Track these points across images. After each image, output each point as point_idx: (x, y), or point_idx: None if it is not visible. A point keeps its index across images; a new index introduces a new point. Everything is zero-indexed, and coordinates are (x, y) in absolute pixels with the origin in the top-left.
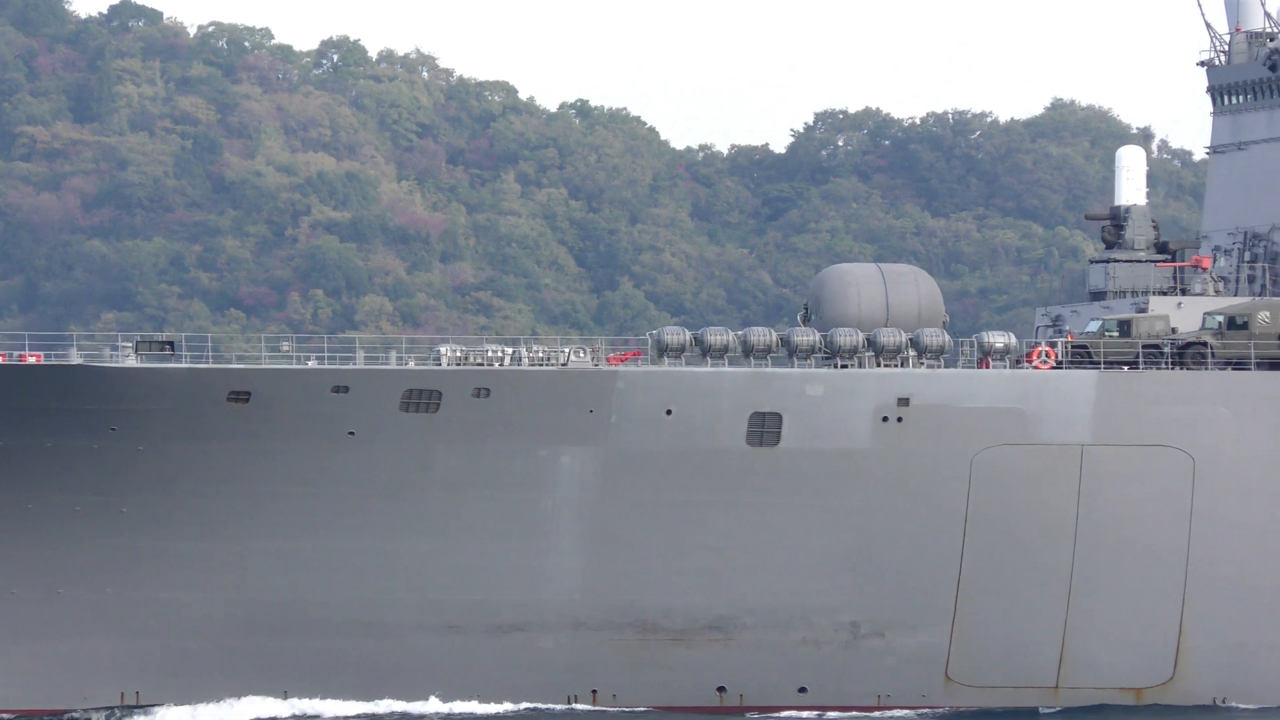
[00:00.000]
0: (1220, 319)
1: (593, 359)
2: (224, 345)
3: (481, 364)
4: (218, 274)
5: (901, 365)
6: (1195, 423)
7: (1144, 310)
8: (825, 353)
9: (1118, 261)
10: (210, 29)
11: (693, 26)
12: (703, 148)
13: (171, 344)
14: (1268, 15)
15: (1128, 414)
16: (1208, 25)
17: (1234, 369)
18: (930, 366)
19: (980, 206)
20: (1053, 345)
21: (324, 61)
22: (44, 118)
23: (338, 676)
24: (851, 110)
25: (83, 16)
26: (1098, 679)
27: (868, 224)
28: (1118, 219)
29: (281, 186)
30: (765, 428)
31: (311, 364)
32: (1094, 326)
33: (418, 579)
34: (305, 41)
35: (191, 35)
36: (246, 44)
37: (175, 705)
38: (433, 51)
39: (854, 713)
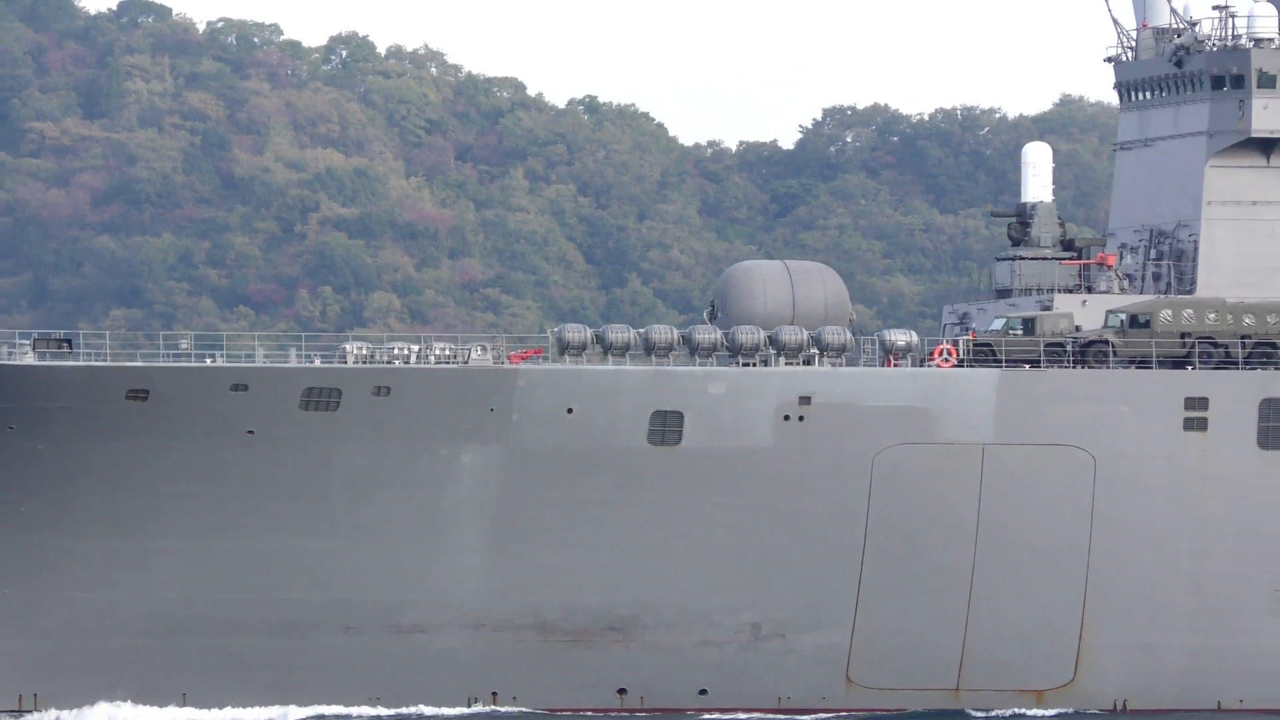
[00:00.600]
0: (1123, 317)
1: (494, 357)
2: (233, 343)
3: (390, 362)
4: (226, 271)
5: (805, 363)
6: (1097, 421)
7: (1049, 308)
8: (728, 351)
9: (1023, 259)
10: (219, 25)
11: (701, 23)
12: (711, 144)
13: (69, 341)
14: (1174, 11)
15: (1029, 413)
16: (1115, 21)
17: (1137, 367)
18: (833, 364)
19: (989, 203)
20: (954, 344)
21: (333, 58)
22: (53, 114)
23: (239, 678)
24: (860, 106)
25: (92, 13)
26: (998, 680)
27: (876, 220)
28: (1024, 216)
29: (290, 183)
30: (667, 426)
31: (209, 362)
32: (998, 325)
33: (318, 579)
34: (314, 37)
35: (200, 31)
36: (255, 40)
37: (72, 709)
38: (441, 47)
39: (755, 714)
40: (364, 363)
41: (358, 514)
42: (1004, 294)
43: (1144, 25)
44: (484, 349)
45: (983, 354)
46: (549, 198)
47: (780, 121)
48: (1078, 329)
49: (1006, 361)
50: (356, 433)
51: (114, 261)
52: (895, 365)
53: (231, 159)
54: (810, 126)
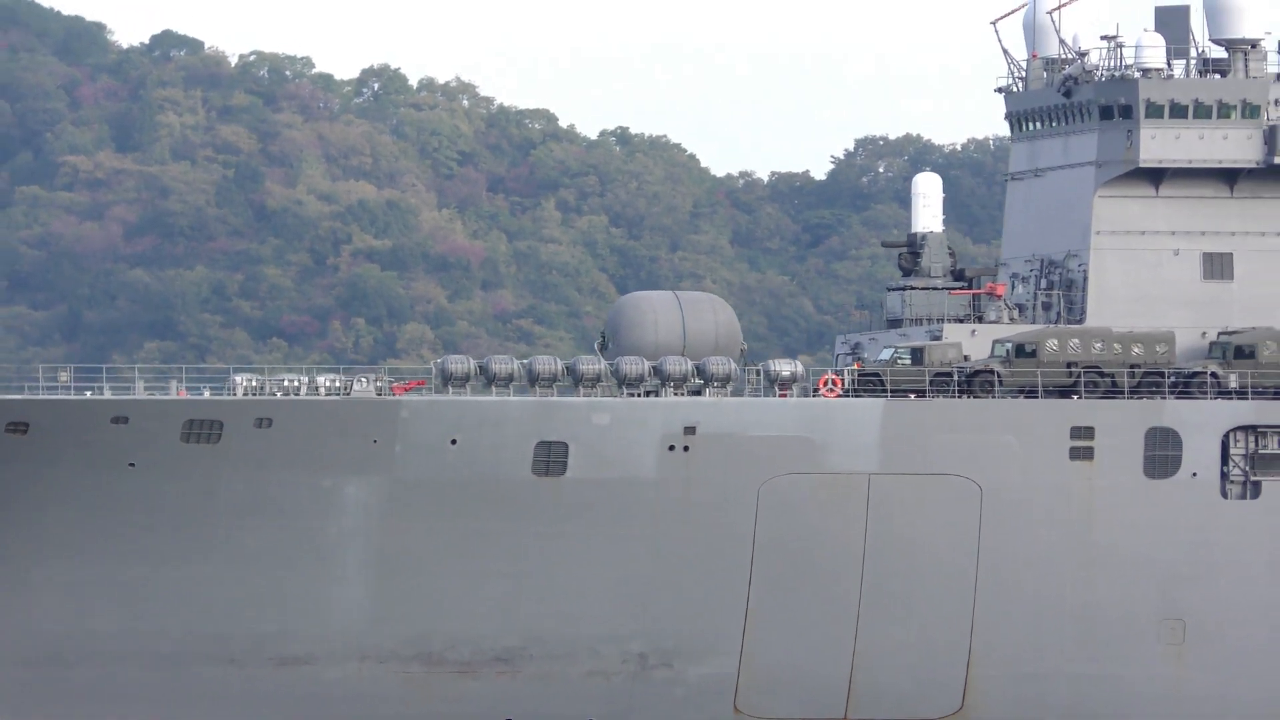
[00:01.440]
0: (1009, 347)
1: (377, 388)
2: (269, 373)
3: (277, 394)
4: (259, 303)
5: (691, 394)
6: (982, 451)
7: (938, 338)
8: (613, 381)
9: (914, 289)
10: (251, 58)
11: (732, 54)
12: (743, 174)
13: None
14: (1063, 42)
15: (914, 442)
16: (1005, 52)
17: (1025, 397)
18: (718, 394)
19: None
20: (840, 374)
21: (365, 90)
22: (86, 147)
23: (120, 710)
24: (892, 137)
25: (124, 46)
26: (887, 709)
27: None
28: (914, 246)
29: (323, 215)
30: (551, 457)
31: (90, 395)
32: (887, 354)
33: (201, 610)
34: (346, 70)
35: (233, 64)
36: (288, 73)
37: None
38: (473, 80)
39: None
40: (253, 395)
41: (241, 545)
42: (895, 324)
43: (1034, 55)
44: (367, 380)
45: (871, 384)
46: (581, 229)
47: (812, 152)
48: (966, 359)
49: (893, 391)
50: (239, 465)
51: (147, 294)
52: (783, 395)
53: (264, 191)
54: (842, 157)
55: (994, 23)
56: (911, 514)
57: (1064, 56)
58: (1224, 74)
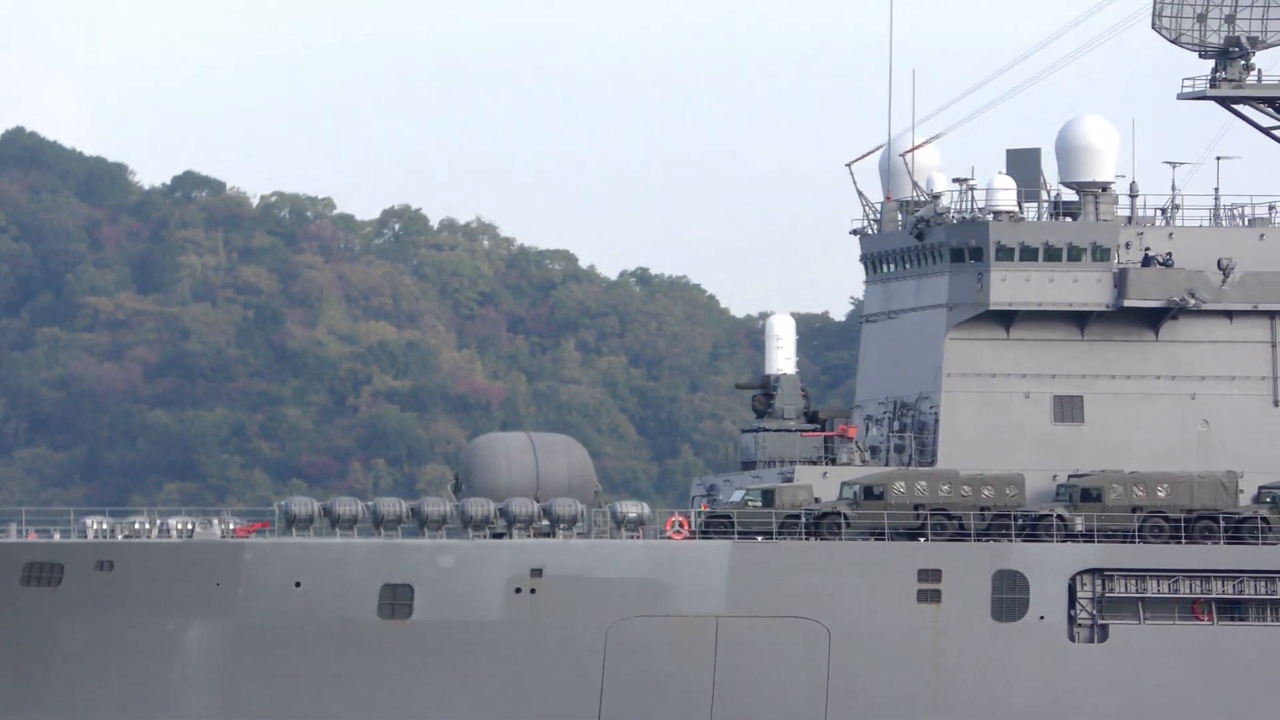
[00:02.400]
0: (856, 489)
1: (220, 531)
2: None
3: (130, 536)
4: (279, 443)
5: (539, 535)
6: (830, 593)
7: (790, 480)
8: (459, 523)
9: (767, 431)
10: (273, 199)
11: (751, 196)
12: (762, 315)
13: None
14: (915, 184)
15: (762, 585)
16: (860, 194)
17: (875, 539)
18: (566, 536)
19: None
20: (687, 515)
21: (385, 231)
22: (107, 288)
23: None
24: None
25: (146, 187)
26: None
27: None
28: (768, 388)
29: (343, 356)
30: (396, 600)
31: None
32: (738, 496)
33: None
34: (367, 211)
35: (254, 205)
36: (308, 214)
37: None
38: (494, 220)
39: None
40: (103, 538)
41: (82, 692)
42: (749, 466)
43: (888, 197)
44: (210, 523)
45: (720, 526)
46: (601, 369)
47: (831, 293)
48: (817, 500)
49: (741, 533)
50: (80, 608)
51: (167, 435)
52: (632, 538)
53: (284, 332)
54: (861, 298)
55: (849, 165)
56: (760, 657)
57: (917, 199)
58: (1075, 217)
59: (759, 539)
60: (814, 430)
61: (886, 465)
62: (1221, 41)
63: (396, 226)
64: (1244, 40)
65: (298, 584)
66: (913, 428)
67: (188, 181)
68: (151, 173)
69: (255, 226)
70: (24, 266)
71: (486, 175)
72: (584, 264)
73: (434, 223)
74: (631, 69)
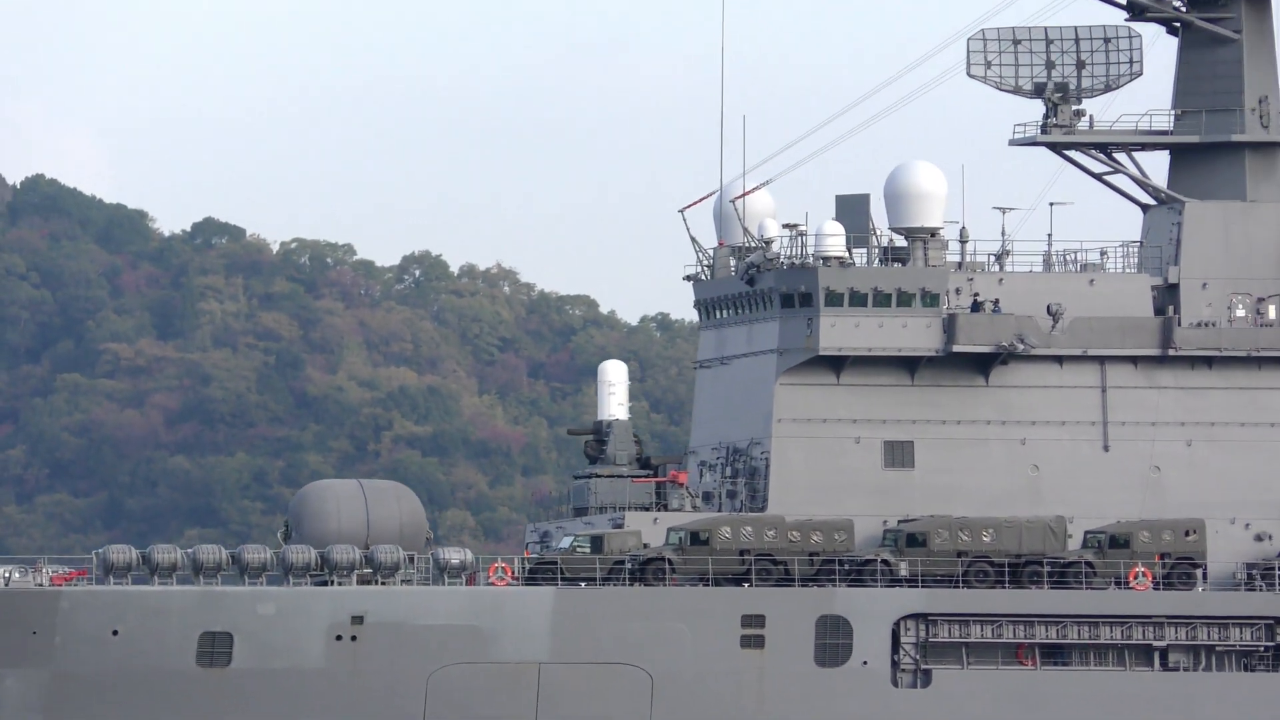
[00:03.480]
0: (682, 534)
1: (34, 579)
2: None
3: None
4: (301, 488)
5: (362, 582)
6: (653, 640)
7: (620, 526)
8: (280, 570)
9: (599, 477)
10: (293, 245)
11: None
12: None
13: None
14: (746, 230)
15: (585, 631)
16: (693, 239)
17: (702, 584)
18: (389, 583)
19: None
20: (510, 562)
21: (406, 277)
22: (128, 335)
23: None
24: None
25: (166, 234)
26: None
27: None
28: (600, 434)
29: (364, 401)
30: (215, 648)
31: None
32: (567, 543)
33: None
34: (387, 257)
35: (274, 251)
36: (329, 260)
37: None
38: (514, 266)
39: None
40: None
41: None
42: (581, 512)
43: (721, 243)
44: (25, 570)
45: (548, 572)
46: None
47: None
48: (646, 546)
49: (566, 580)
50: None
51: (188, 481)
52: (458, 584)
53: (305, 378)
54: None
55: (682, 211)
56: (582, 703)
57: (749, 244)
58: (904, 262)
59: (583, 585)
60: (646, 476)
61: (719, 511)
62: (1031, 88)
63: (417, 272)
64: (1056, 88)
65: (115, 632)
66: (744, 473)
67: (207, 228)
68: (171, 219)
69: (275, 273)
70: (44, 314)
71: (507, 221)
72: (604, 309)
73: (454, 268)
74: (647, 114)
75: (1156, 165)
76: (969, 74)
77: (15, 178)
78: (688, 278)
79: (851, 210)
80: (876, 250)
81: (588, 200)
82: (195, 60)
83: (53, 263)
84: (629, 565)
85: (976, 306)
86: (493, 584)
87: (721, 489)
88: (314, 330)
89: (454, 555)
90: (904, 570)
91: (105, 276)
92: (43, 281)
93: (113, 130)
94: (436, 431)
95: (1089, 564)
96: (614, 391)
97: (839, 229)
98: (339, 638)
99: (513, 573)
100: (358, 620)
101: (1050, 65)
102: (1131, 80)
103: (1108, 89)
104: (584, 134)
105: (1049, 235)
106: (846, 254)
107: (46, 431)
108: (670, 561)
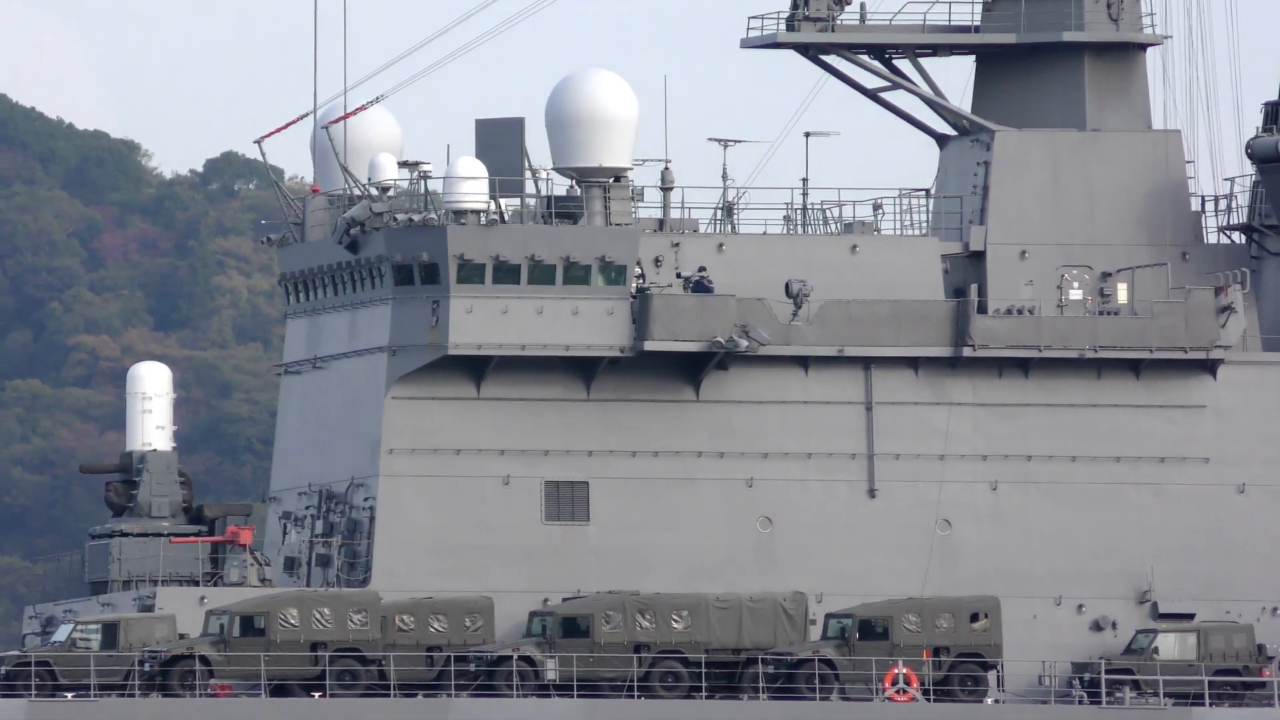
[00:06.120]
0: (226, 620)
1: None
2: None
3: None
4: None
5: None
6: None
7: (150, 607)
8: None
9: (126, 535)
10: None
11: None
12: None
13: None
14: (347, 171)
15: None
16: (276, 185)
17: (256, 694)
18: None
19: None
20: None
21: None
22: (110, 324)
23: None
24: None
25: (168, 176)
26: None
27: None
28: (129, 473)
29: None
30: None
31: None
32: (63, 634)
33: None
34: None
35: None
36: None
37: None
38: None
39: None
40: None
41: None
42: (99, 587)
43: (315, 190)
44: None
45: (40, 675)
46: None
47: None
48: (183, 637)
49: (54, 687)
50: None
51: None
52: None
53: None
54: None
55: (259, 142)
56: None
57: (352, 192)
58: (575, 220)
59: (70, 696)
60: (194, 535)
61: (307, 585)
62: None
63: None
64: None
65: None
66: (342, 529)
67: (226, 167)
68: (175, 156)
69: None
70: None
71: None
72: None
73: None
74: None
75: (956, 77)
76: None
77: None
78: (267, 240)
79: (500, 142)
80: (536, 202)
81: None
82: None
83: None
84: (147, 666)
85: (689, 286)
86: None
87: (309, 553)
88: None
89: None
90: (552, 673)
91: (78, 238)
92: None
93: (92, 26)
94: None
95: (827, 662)
96: (149, 409)
97: (479, 169)
98: None
99: None
100: None
101: None
102: None
103: None
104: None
105: (804, 181)
106: (491, 206)
107: None
108: (208, 661)
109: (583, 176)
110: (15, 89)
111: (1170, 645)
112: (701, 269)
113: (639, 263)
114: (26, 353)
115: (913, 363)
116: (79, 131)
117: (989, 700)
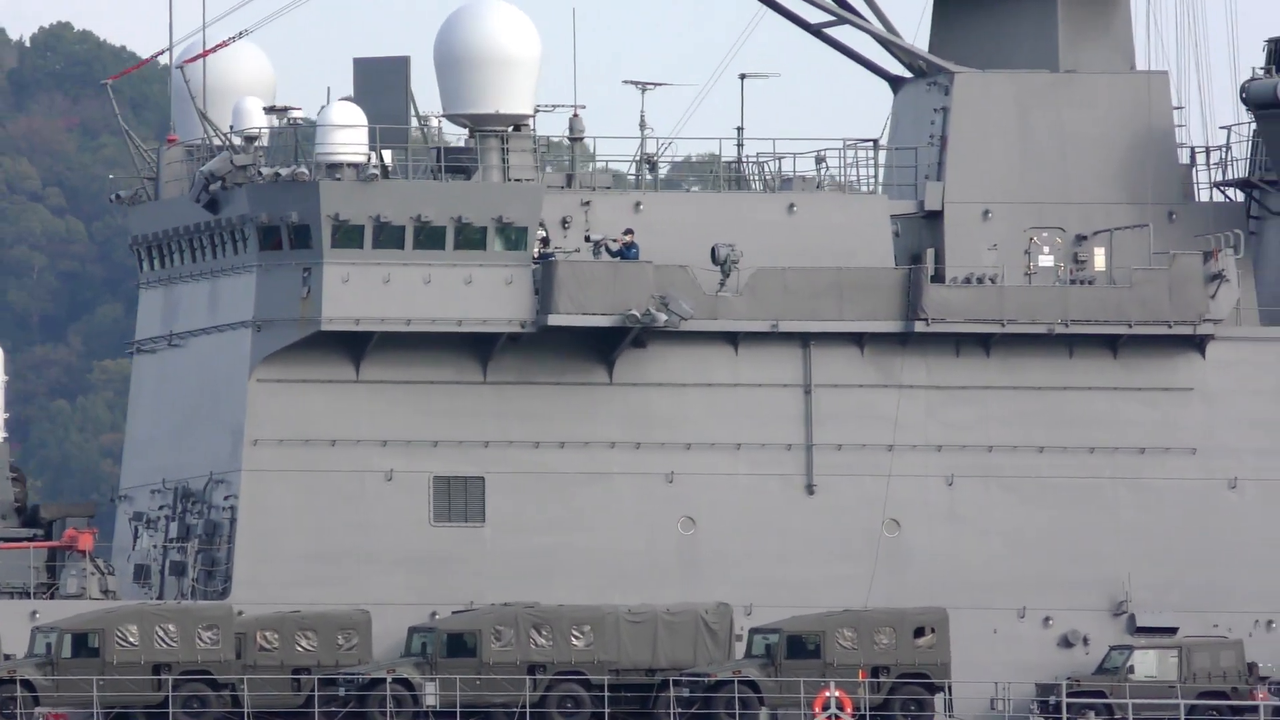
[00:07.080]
0: (54, 639)
1: None
2: None
3: None
4: None
5: None
6: None
7: None
8: None
9: None
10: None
11: None
12: None
13: None
14: (205, 117)
15: None
16: (127, 133)
17: None
18: None
19: None
20: None
21: None
22: None
23: None
24: None
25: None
26: None
27: None
28: None
29: None
30: None
31: None
32: None
33: None
34: None
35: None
36: None
37: None
38: None
39: None
40: None
41: None
42: None
43: (171, 139)
44: None
45: None
46: None
47: None
48: (8, 658)
49: None
50: None
51: None
52: None
53: None
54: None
55: (107, 83)
56: None
57: (211, 142)
58: (468, 174)
59: None
60: (25, 540)
61: (159, 598)
62: None
63: None
64: None
65: None
66: (200, 533)
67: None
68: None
69: None
70: None
71: None
72: None
73: None
74: None
75: (912, 11)
76: None
77: None
78: (116, 197)
79: (380, 85)
80: (424, 154)
81: None
82: None
83: None
84: None
85: (597, 249)
86: None
87: (163, 560)
88: None
89: None
90: (432, 698)
91: None
92: None
93: None
94: None
95: (750, 684)
96: None
97: (357, 115)
98: None
99: None
100: None
101: None
102: None
103: None
104: None
105: (738, 131)
106: (371, 159)
107: None
108: (31, 686)
109: (477, 125)
110: None
111: (1149, 663)
112: (628, 231)
113: (543, 224)
114: None
115: (858, 339)
116: None
117: None
